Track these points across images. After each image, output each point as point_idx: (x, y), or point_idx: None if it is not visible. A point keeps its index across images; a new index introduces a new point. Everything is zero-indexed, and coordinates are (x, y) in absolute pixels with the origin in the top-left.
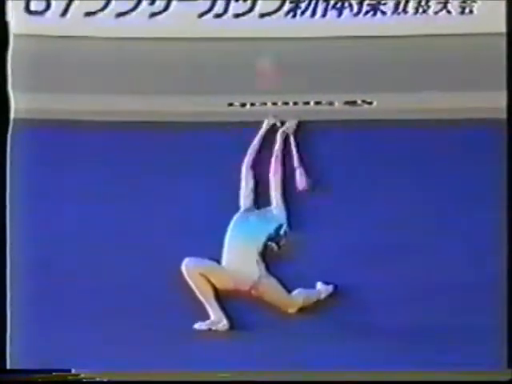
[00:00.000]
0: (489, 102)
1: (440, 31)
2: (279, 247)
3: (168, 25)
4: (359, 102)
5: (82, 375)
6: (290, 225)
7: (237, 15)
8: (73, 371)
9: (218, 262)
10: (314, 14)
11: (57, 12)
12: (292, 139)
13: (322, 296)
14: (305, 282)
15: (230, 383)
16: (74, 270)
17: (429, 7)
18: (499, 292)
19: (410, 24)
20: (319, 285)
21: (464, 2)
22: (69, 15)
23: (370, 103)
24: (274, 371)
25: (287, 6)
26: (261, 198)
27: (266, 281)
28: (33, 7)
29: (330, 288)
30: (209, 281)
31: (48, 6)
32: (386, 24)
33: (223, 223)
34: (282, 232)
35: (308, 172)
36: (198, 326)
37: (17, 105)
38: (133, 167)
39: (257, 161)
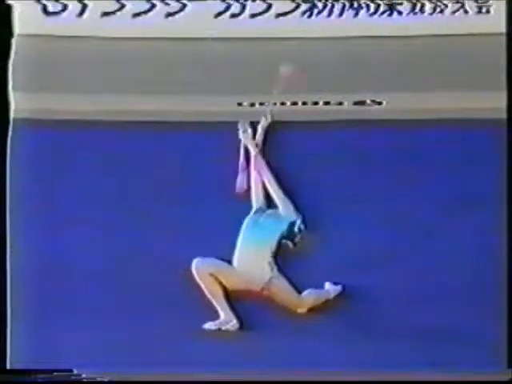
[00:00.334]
0: (489, 102)
1: (453, 31)
2: (294, 244)
3: (184, 25)
4: (368, 101)
5: (83, 375)
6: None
7: (253, 15)
8: (74, 371)
9: (230, 262)
10: (330, 14)
11: (73, 12)
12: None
13: (331, 296)
14: (314, 283)
15: (238, 383)
16: (76, 269)
17: (446, 7)
18: (499, 292)
19: (425, 24)
20: (328, 285)
21: (457, 1)
22: (85, 16)
23: (380, 103)
24: (282, 371)
25: (303, 6)
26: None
27: (278, 282)
28: (51, 8)
29: (339, 288)
30: (218, 281)
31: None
32: (402, 24)
33: (234, 224)
34: (296, 229)
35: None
36: (207, 325)
37: (17, 105)
38: (137, 167)
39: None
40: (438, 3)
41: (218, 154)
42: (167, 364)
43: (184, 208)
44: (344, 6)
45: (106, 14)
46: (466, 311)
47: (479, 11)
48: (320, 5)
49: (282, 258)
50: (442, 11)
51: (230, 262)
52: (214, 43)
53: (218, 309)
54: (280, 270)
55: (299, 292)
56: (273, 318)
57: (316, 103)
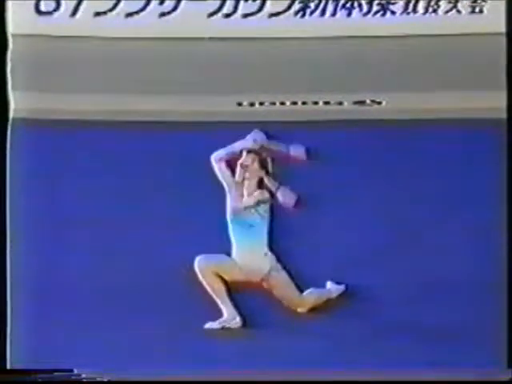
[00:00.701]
0: (489, 102)
1: (448, 31)
2: None
3: (177, 25)
4: (368, 101)
5: (83, 375)
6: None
7: (246, 15)
8: (74, 371)
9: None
10: (323, 13)
11: (66, 12)
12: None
13: (333, 295)
14: (316, 282)
15: (240, 382)
16: (76, 269)
17: (438, 7)
18: (499, 292)
19: (419, 24)
20: (329, 284)
21: (450, 2)
22: (78, 15)
23: (379, 103)
24: (285, 370)
25: (296, 6)
26: None
27: (277, 275)
28: (43, 8)
29: (342, 287)
30: (222, 278)
31: (58, 7)
32: (396, 24)
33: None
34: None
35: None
36: (210, 324)
37: (17, 105)
38: (136, 167)
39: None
40: (431, 3)
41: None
42: (169, 363)
43: (184, 208)
44: (337, 6)
45: (99, 13)
46: (465, 311)
47: (473, 11)
48: (313, 5)
49: (282, 257)
50: (435, 11)
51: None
52: (210, 43)
53: (221, 307)
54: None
55: (301, 291)
56: (276, 316)
57: (316, 103)
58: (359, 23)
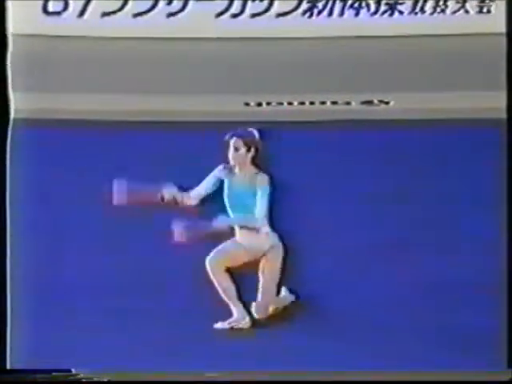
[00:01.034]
0: (489, 102)
1: (455, 31)
2: None
3: (185, 25)
4: (376, 101)
5: (82, 375)
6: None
7: (253, 15)
8: (73, 371)
9: None
10: (330, 13)
11: (74, 12)
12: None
13: (286, 303)
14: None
15: (248, 382)
16: (77, 269)
17: (446, 7)
18: (499, 292)
19: (427, 24)
20: (284, 291)
21: (458, 2)
22: (86, 16)
23: (387, 103)
24: (294, 370)
25: (304, 6)
26: None
27: (278, 251)
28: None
29: (292, 297)
30: (232, 278)
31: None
32: (404, 24)
33: None
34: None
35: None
36: (220, 324)
37: (17, 105)
38: (138, 167)
39: None
40: (439, 3)
41: (225, 154)
42: (178, 364)
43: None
44: (344, 6)
45: (106, 13)
46: (465, 311)
47: (480, 11)
48: (320, 5)
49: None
50: (443, 11)
51: None
52: (217, 43)
53: (231, 307)
54: None
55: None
56: (286, 316)
57: (323, 103)
58: (367, 23)
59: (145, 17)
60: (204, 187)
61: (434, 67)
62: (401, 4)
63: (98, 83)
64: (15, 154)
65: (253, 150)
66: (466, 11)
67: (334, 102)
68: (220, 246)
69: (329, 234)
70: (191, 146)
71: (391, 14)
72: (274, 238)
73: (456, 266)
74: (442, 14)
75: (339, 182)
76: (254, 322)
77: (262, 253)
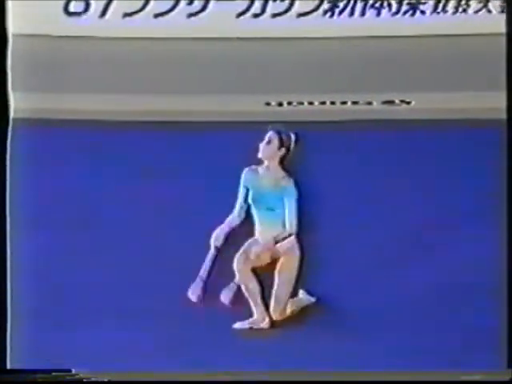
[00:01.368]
0: (489, 102)
1: (478, 31)
2: None
3: (206, 25)
4: (397, 101)
5: (82, 375)
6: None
7: (274, 15)
8: (73, 371)
9: None
10: (352, 13)
11: (96, 13)
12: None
13: (304, 304)
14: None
15: (265, 383)
16: (77, 269)
17: (468, 7)
18: (499, 292)
19: (449, 23)
20: (301, 293)
21: (480, 1)
22: (107, 16)
23: (409, 103)
24: (312, 370)
25: (325, 6)
26: None
27: (293, 252)
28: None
29: (312, 299)
30: (257, 278)
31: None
32: (425, 23)
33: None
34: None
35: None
36: (239, 324)
37: (17, 105)
38: (141, 168)
39: None
40: (461, 2)
41: (246, 154)
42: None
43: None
44: (366, 6)
45: (128, 14)
46: (465, 311)
47: (503, 11)
48: (341, 5)
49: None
50: (464, 10)
51: None
52: (238, 43)
53: (253, 307)
54: None
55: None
56: (303, 317)
57: (344, 103)
58: (388, 23)
59: (166, 17)
60: (241, 203)
61: (426, 67)
62: (423, 4)
63: (112, 83)
64: (15, 154)
65: (284, 149)
66: (489, 11)
67: (354, 102)
68: (245, 246)
69: (347, 236)
70: (211, 146)
71: (413, 14)
72: (291, 239)
73: (456, 266)
74: (464, 14)
75: (357, 182)
76: (272, 323)
77: (280, 253)
